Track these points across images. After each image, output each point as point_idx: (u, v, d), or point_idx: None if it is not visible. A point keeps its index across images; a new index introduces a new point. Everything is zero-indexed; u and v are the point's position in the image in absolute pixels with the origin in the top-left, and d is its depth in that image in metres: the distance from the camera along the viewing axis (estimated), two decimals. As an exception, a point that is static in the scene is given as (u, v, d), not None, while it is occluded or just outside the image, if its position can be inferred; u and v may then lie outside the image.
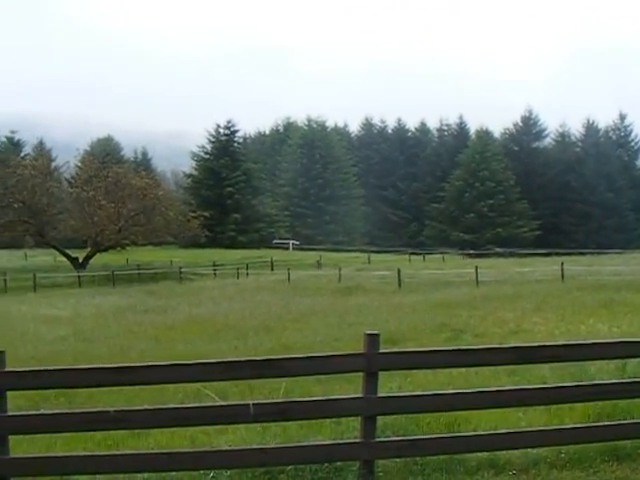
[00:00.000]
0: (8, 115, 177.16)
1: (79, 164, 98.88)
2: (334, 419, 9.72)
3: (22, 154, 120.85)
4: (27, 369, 8.47)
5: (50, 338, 23.90)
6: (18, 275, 63.19)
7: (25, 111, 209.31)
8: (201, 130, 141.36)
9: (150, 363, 8.57)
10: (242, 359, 8.94)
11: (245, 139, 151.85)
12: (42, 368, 8.68)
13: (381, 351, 8.24)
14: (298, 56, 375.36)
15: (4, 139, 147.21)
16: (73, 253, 73.03)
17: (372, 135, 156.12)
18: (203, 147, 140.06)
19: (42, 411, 9.23)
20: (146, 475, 8.34)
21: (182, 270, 63.08)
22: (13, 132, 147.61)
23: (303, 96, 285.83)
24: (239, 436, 9.77)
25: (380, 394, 8.41)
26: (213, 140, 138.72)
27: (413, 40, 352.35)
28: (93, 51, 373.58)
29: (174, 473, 8.36)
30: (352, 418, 9.27)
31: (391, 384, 11.79)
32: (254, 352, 17.69)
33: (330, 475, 8.37)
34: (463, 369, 12.30)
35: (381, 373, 8.40)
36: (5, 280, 58.76)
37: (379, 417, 8.55)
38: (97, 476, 8.33)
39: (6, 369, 7.90)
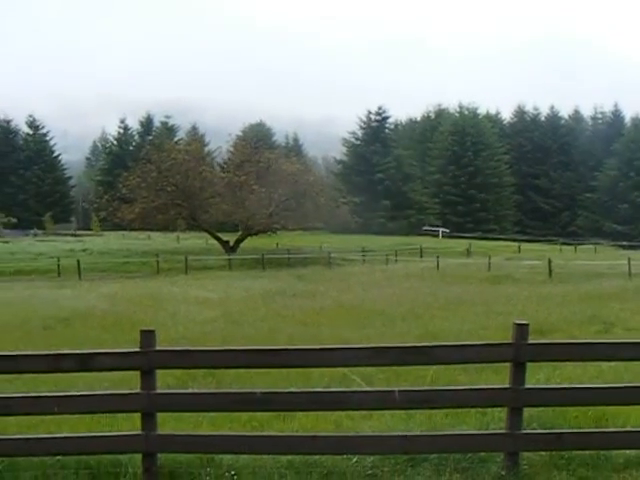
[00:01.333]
0: (162, 101, 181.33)
1: (231, 149, 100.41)
2: (480, 409, 9.59)
3: (176, 139, 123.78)
4: (177, 348, 8.63)
5: (200, 319, 24.26)
6: (170, 257, 64.51)
7: (178, 97, 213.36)
8: (351, 116, 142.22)
9: (298, 346, 8.61)
10: (390, 345, 8.90)
11: (396, 125, 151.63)
12: (192, 348, 8.81)
13: (530, 342, 8.09)
14: (451, 43, 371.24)
15: (159, 124, 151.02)
16: (224, 237, 74.18)
17: (524, 122, 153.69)
18: (354, 133, 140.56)
19: (190, 390, 9.38)
20: (290, 457, 8.37)
21: (331, 255, 63.44)
22: (167, 117, 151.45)
23: (455, 83, 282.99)
24: (383, 422, 9.74)
25: (527, 385, 8.26)
26: (364, 126, 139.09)
27: (570, 25, 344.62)
28: (245, 40, 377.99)
29: (317, 457, 8.37)
30: (498, 409, 9.13)
31: (538, 376, 11.55)
32: (401, 339, 17.62)
33: (474, 465, 8.26)
34: (613, 363, 11.96)
35: (528, 364, 8.25)
36: (158, 262, 60.22)
37: (525, 409, 8.39)
38: (241, 456, 8.42)
39: (157, 348, 8.08)
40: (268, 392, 8.25)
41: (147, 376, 8.10)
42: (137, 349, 8.08)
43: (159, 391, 8.25)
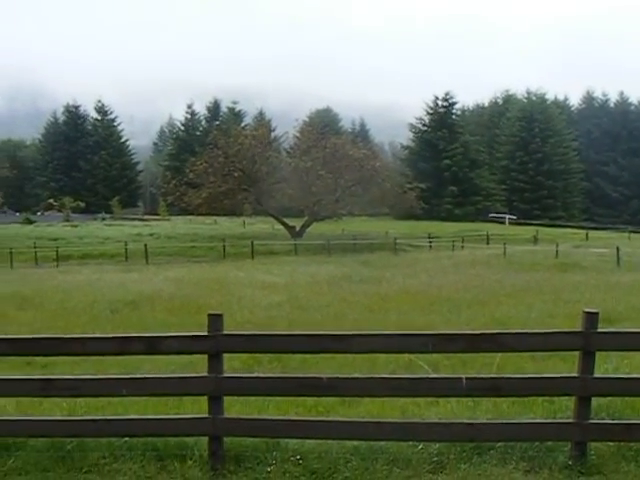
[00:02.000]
0: (228, 86, 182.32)
1: (297, 134, 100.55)
2: (547, 397, 9.49)
3: (242, 124, 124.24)
4: (245, 332, 8.66)
5: (265, 304, 24.38)
6: (236, 242, 64.85)
7: (243, 83, 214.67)
8: (418, 102, 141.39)
9: (363, 332, 8.57)
10: (458, 332, 8.83)
11: (463, 111, 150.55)
12: (259, 332, 8.84)
13: (599, 330, 7.98)
14: (517, 29, 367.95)
15: (225, 109, 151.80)
16: (290, 222, 74.38)
17: (593, 109, 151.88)
18: (421, 119, 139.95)
19: (256, 374, 9.41)
20: (355, 443, 8.36)
21: (397, 241, 63.24)
22: (235, 103, 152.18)
23: (522, 69, 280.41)
24: (449, 409, 9.69)
25: (596, 375, 8.15)
26: (431, 112, 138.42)
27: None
28: (312, 27, 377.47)
29: (383, 443, 8.35)
30: (565, 398, 9.03)
31: (607, 365, 11.41)
32: (467, 326, 17.55)
33: (540, 454, 8.17)
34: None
35: (597, 353, 8.14)
36: (224, 246, 60.56)
37: (593, 398, 8.29)
38: (306, 441, 8.44)
39: (224, 332, 8.13)
40: (334, 377, 8.23)
41: (214, 360, 8.13)
42: (205, 333, 8.13)
43: (226, 375, 8.31)
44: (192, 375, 8.68)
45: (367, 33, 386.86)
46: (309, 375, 8.58)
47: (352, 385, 8.25)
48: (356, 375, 8.66)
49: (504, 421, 8.60)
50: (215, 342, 8.06)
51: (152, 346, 8.35)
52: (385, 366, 12.02)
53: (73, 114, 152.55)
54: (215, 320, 8.07)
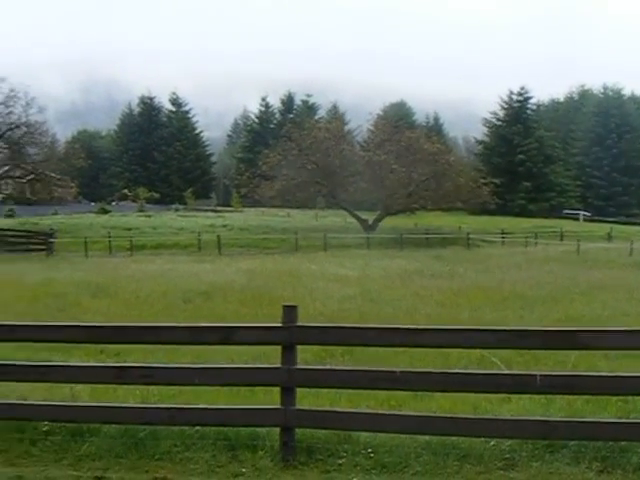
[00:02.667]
0: (301, 79, 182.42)
1: (371, 127, 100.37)
2: (621, 397, 9.38)
3: (316, 117, 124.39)
4: (319, 324, 8.68)
5: (338, 296, 24.39)
6: (309, 234, 64.87)
7: (317, 76, 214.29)
8: (491, 96, 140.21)
9: (437, 326, 8.57)
10: (533, 328, 8.77)
11: (538, 106, 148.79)
12: (331, 324, 8.85)
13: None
14: (594, 22, 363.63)
15: (299, 102, 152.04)
16: (362, 215, 74.29)
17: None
18: (495, 114, 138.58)
19: (329, 366, 9.42)
20: (427, 438, 8.34)
21: (470, 236, 62.92)
22: (308, 96, 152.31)
23: (599, 64, 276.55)
24: (522, 406, 9.63)
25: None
26: (505, 107, 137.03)
27: None
28: (384, 20, 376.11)
29: (454, 438, 8.31)
30: (640, 397, 8.93)
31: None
32: (540, 322, 17.41)
33: (614, 455, 8.06)
34: None
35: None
36: (296, 239, 60.67)
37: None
38: (378, 434, 8.43)
39: (298, 323, 8.16)
40: (407, 371, 8.23)
41: (288, 351, 8.19)
42: (279, 324, 8.18)
43: (299, 366, 8.35)
44: (265, 366, 8.75)
45: (443, 27, 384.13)
46: (382, 368, 8.54)
47: (426, 379, 8.23)
48: (430, 370, 8.62)
49: (578, 419, 8.51)
50: (289, 333, 8.11)
51: (226, 336, 8.42)
52: (457, 361, 11.97)
53: (148, 105, 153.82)
54: (290, 311, 8.12)
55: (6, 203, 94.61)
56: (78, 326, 9.32)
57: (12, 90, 66.97)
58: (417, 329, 8.40)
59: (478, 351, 11.03)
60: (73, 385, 10.24)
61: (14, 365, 9.22)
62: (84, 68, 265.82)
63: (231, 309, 21.32)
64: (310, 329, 8.39)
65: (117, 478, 7.95)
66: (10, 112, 67.75)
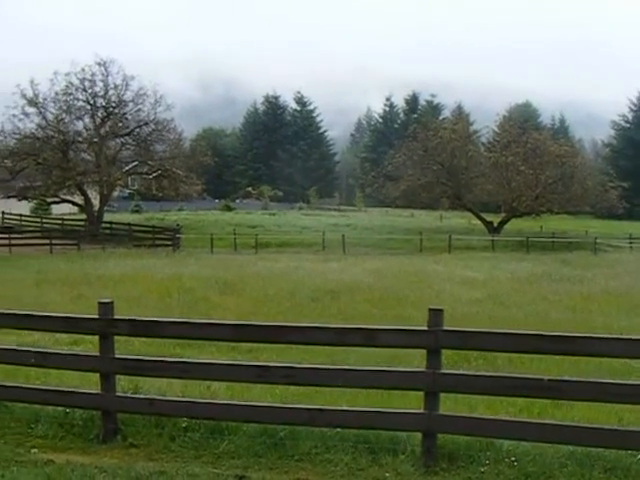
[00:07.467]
0: (419, 79, 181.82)
1: (496, 128, 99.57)
2: None
3: (440, 117, 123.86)
4: (465, 329, 8.48)
5: (465, 299, 24.15)
6: (433, 235, 64.67)
7: (435, 74, 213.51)
8: (619, 98, 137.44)
9: (587, 334, 8.29)
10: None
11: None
12: (478, 329, 8.64)
13: None
14: None
15: (424, 103, 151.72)
16: (487, 217, 73.76)
17: None
18: (623, 116, 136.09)
19: (475, 372, 9.24)
20: (571, 448, 8.11)
21: (597, 241, 61.74)
22: (433, 96, 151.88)
23: None
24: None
25: None
26: (634, 109, 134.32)
27: None
28: (509, 19, 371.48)
29: (600, 450, 8.04)
30: None
31: None
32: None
33: None
34: None
35: None
36: (421, 239, 60.43)
37: None
38: (521, 443, 8.23)
39: (444, 327, 8.02)
40: (557, 379, 8.01)
41: (433, 355, 8.05)
42: (424, 327, 8.06)
43: (444, 371, 8.21)
44: (410, 370, 8.63)
45: (568, 29, 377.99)
46: (529, 376, 8.34)
47: (576, 388, 7.97)
48: (582, 379, 8.34)
49: None
50: (435, 337, 7.97)
51: (369, 339, 8.34)
52: (597, 369, 11.62)
53: (273, 104, 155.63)
54: (436, 315, 8.00)
55: (133, 199, 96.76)
56: (225, 324, 9.39)
57: (141, 88, 68.49)
58: (567, 336, 8.09)
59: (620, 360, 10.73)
60: (210, 382, 10.33)
61: (156, 361, 9.32)
62: (202, 66, 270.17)
63: (359, 309, 21.30)
64: (457, 333, 8.22)
65: (258, 478, 7.94)
66: (139, 109, 69.27)
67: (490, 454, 8.10)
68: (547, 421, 8.64)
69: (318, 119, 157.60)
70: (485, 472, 7.85)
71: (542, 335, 8.13)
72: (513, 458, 7.98)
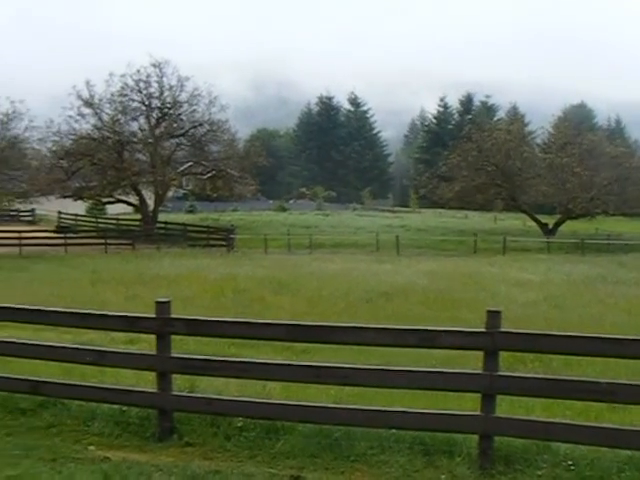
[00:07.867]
0: (476, 79, 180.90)
1: (550, 129, 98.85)
2: None
3: (495, 118, 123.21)
4: (521, 331, 8.41)
5: (521, 301, 23.99)
6: (487, 237, 64.27)
7: (489, 76, 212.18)
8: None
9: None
10: None
11: None
12: (537, 331, 8.57)
13: None
14: None
15: (478, 103, 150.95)
16: (542, 219, 73.19)
17: None
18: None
19: (532, 374, 9.14)
20: (629, 452, 8.01)
21: (653, 243, 61.00)
22: (487, 97, 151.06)
23: None
24: None
25: None
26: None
27: None
28: (562, 23, 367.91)
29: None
30: None
31: None
32: None
33: None
34: None
35: None
36: (475, 241, 60.13)
37: None
38: (579, 446, 8.16)
39: (501, 329, 7.98)
40: (615, 383, 7.94)
41: (491, 357, 8.03)
42: (482, 329, 8.02)
43: (501, 373, 8.17)
44: (466, 371, 8.58)
45: (624, 31, 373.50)
46: (586, 379, 8.27)
47: (633, 392, 7.89)
48: (626, 381, 8.25)
49: None
50: (492, 339, 7.94)
51: (427, 340, 8.33)
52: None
53: (326, 105, 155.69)
54: (494, 316, 7.97)
55: (187, 199, 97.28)
56: (281, 324, 9.39)
57: (195, 89, 68.76)
58: (623, 339, 8.03)
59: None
60: (265, 382, 10.35)
61: (216, 360, 9.37)
62: (255, 67, 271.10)
63: (414, 311, 21.25)
64: (515, 335, 8.18)
65: (313, 478, 7.96)
66: (193, 110, 69.55)
67: (547, 457, 8.05)
68: (604, 425, 8.54)
69: (372, 120, 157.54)
70: (542, 475, 7.80)
71: (599, 338, 8.07)
72: (570, 462, 7.92)
